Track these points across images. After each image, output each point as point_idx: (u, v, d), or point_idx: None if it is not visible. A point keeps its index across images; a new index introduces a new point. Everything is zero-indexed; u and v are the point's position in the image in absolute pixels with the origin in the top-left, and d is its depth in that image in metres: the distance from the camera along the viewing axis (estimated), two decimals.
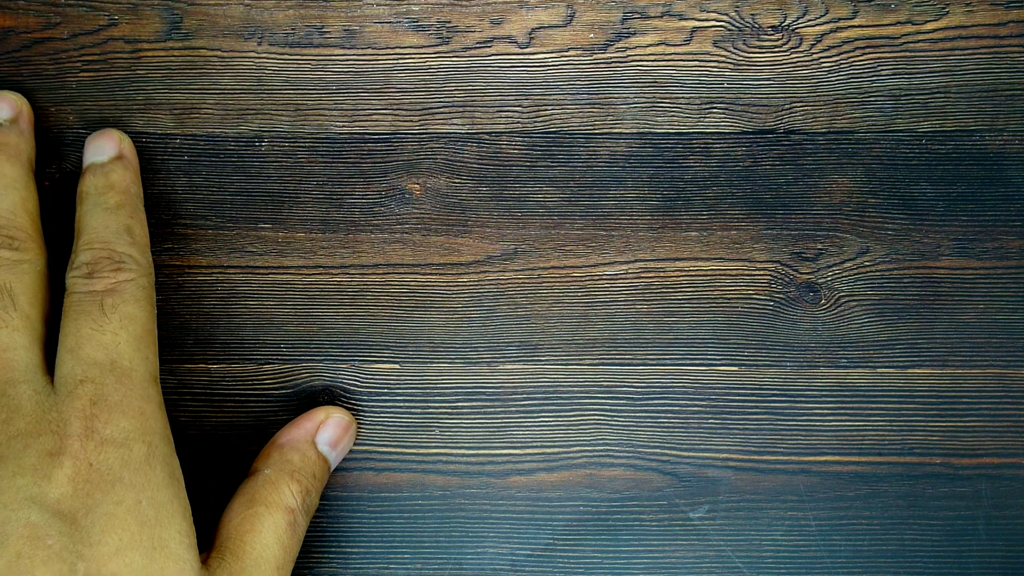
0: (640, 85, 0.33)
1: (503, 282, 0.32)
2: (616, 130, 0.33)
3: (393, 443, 0.32)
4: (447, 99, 0.33)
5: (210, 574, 0.27)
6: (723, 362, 0.32)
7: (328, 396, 0.32)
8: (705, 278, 0.32)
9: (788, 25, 0.33)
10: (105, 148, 0.31)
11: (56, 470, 0.26)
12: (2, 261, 0.29)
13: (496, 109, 0.33)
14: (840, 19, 0.33)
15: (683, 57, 0.33)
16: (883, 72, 0.33)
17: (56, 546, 0.25)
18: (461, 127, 0.33)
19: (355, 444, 0.32)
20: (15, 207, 0.30)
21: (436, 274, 0.33)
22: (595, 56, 0.33)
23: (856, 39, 0.33)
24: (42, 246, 0.30)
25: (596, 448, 0.32)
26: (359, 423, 0.32)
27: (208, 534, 0.29)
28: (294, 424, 0.31)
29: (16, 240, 0.29)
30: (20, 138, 0.31)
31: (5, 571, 0.25)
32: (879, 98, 0.33)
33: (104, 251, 0.29)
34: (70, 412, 0.27)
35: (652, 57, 0.33)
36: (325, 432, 0.31)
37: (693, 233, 0.33)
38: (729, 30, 0.33)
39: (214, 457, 0.32)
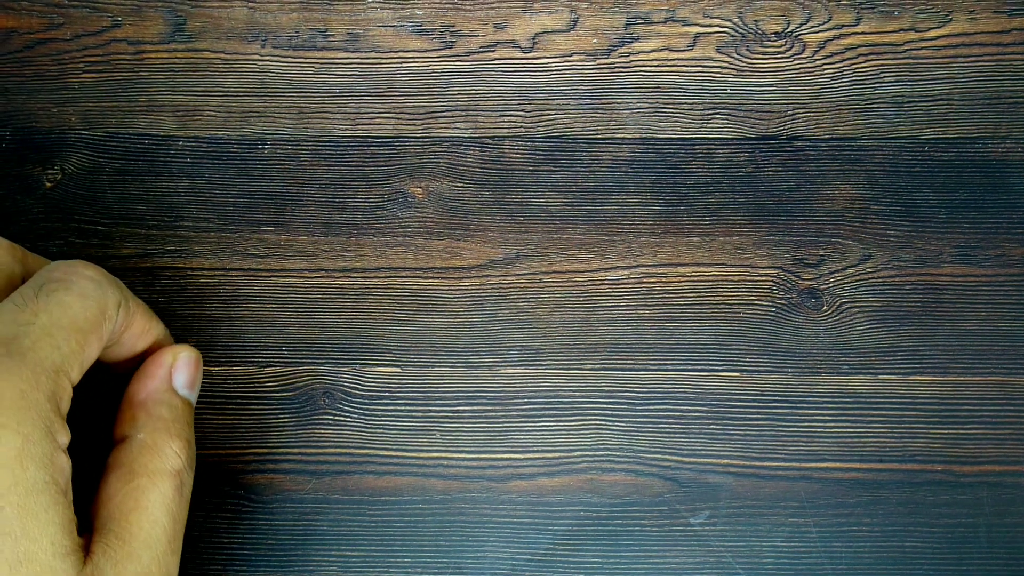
0: (643, 90, 0.33)
1: (505, 286, 0.32)
2: (619, 135, 0.33)
3: (394, 447, 0.32)
4: (450, 103, 0.33)
5: (93, 569, 0.23)
6: (724, 368, 0.32)
7: (329, 399, 0.32)
8: (707, 283, 0.32)
9: (791, 31, 0.33)
10: None
11: None
12: None
13: (499, 113, 0.33)
14: (843, 26, 0.33)
15: (686, 63, 0.33)
16: (886, 79, 0.33)
17: None
18: (464, 131, 0.33)
19: (356, 447, 0.32)
20: None
21: (438, 278, 0.32)
22: (598, 61, 0.33)
23: (859, 46, 0.33)
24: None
25: (597, 453, 0.32)
26: (360, 427, 0.32)
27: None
28: (143, 375, 0.27)
29: None
30: None
31: None
32: (882, 105, 0.33)
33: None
34: None
35: (655, 62, 0.33)
36: (179, 375, 0.28)
37: (695, 238, 0.33)
38: (732, 36, 0.33)
39: (214, 458, 0.32)
